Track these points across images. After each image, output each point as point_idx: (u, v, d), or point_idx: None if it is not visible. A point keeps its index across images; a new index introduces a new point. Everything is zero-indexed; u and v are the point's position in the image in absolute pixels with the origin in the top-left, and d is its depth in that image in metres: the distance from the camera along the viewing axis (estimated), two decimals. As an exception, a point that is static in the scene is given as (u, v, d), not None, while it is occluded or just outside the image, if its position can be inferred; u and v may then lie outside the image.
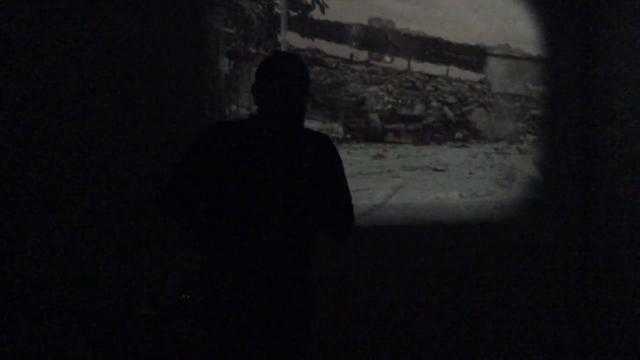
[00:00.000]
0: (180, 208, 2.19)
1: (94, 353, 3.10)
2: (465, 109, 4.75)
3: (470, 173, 4.68)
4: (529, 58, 4.71)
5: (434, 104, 4.72)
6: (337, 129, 4.38)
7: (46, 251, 3.49)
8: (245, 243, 2.12)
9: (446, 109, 4.72)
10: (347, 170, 2.33)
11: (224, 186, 2.09)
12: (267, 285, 2.16)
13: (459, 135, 4.75)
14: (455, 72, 4.79)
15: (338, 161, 2.26)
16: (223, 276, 2.16)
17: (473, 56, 4.78)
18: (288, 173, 2.11)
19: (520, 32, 4.65)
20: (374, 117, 4.52)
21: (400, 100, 4.64)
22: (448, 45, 4.69)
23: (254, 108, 2.20)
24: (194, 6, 3.82)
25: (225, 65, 4.09)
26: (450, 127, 4.76)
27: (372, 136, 4.51)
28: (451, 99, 4.79)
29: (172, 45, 3.74)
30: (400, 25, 4.51)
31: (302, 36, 4.23)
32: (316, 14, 4.24)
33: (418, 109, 4.70)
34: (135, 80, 3.68)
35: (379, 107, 4.55)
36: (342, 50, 4.47)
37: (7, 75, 3.47)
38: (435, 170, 4.57)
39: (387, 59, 4.64)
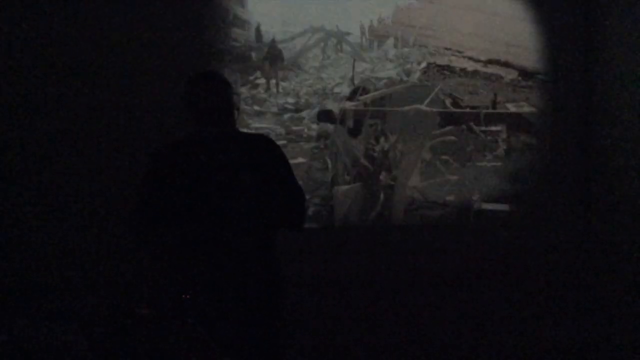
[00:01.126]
0: (152, 231, 2.33)
1: (94, 353, 3.09)
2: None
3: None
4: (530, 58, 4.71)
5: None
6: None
7: (46, 251, 3.49)
8: (212, 249, 2.28)
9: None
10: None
11: (183, 203, 2.25)
12: (236, 283, 2.29)
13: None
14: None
15: (282, 157, 2.41)
16: (197, 279, 2.30)
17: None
18: (236, 177, 2.27)
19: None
20: None
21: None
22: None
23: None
24: (194, 8, 3.83)
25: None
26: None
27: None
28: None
29: (173, 47, 3.74)
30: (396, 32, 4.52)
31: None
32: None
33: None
34: (136, 82, 3.68)
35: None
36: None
37: (7, 76, 3.48)
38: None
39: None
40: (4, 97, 3.48)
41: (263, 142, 2.43)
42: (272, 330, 2.38)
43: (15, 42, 3.49)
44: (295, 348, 2.56)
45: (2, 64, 3.47)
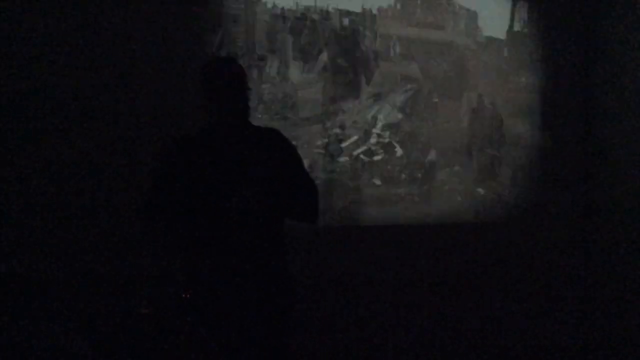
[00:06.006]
0: (161, 217, 2.33)
1: (94, 353, 3.09)
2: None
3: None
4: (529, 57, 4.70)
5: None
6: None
7: (46, 251, 3.49)
8: (223, 241, 2.27)
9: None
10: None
11: (196, 193, 2.26)
12: (246, 278, 2.28)
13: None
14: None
15: (293, 149, 2.49)
16: (206, 274, 2.30)
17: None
18: (250, 168, 2.27)
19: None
20: None
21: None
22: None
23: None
24: (194, 7, 3.83)
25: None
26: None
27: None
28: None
29: (174, 46, 3.74)
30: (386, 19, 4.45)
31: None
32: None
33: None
34: (136, 80, 3.68)
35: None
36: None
37: (7, 75, 3.48)
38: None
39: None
40: (4, 97, 3.48)
41: (275, 136, 2.46)
42: (277, 331, 2.37)
43: (14, 41, 3.49)
44: (295, 347, 2.55)
45: (2, 64, 3.48)
